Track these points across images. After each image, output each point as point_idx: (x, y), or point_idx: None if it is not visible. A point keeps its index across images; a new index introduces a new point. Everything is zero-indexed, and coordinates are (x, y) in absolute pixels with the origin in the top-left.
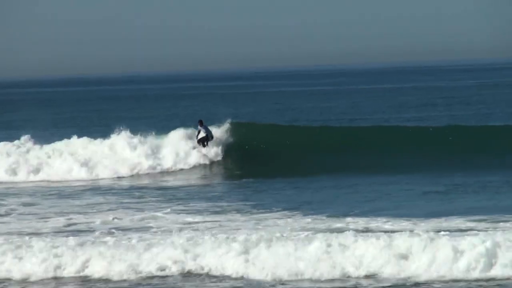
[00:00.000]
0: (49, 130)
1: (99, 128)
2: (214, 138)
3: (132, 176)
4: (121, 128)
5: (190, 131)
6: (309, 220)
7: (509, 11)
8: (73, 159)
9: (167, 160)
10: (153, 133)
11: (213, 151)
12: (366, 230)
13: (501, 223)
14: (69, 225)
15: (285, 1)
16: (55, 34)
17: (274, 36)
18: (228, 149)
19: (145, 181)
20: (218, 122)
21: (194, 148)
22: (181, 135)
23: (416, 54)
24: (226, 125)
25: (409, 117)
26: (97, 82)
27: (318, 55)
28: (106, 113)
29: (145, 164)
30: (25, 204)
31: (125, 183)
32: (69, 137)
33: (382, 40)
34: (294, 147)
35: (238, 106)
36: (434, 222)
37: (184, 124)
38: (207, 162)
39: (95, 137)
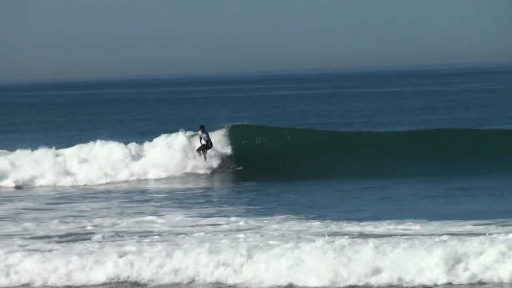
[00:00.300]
0: (48, 133)
1: (99, 131)
2: (214, 144)
3: (130, 181)
4: (105, 133)
5: (189, 135)
6: (311, 224)
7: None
8: (76, 164)
9: (165, 166)
10: (152, 137)
11: (213, 158)
12: (367, 235)
13: (499, 228)
14: (72, 228)
15: (285, 6)
16: (57, 37)
17: (274, 39)
18: (228, 153)
19: (145, 186)
20: (218, 125)
21: (194, 157)
22: (181, 140)
23: (416, 58)
24: (226, 128)
25: (408, 121)
26: (99, 86)
27: (318, 59)
28: (107, 116)
29: (146, 170)
30: (27, 209)
31: (124, 188)
32: (70, 141)
33: (382, 43)
34: (294, 150)
35: (238, 109)
36: (434, 226)
37: (183, 127)
38: (206, 171)
39: (94, 140)
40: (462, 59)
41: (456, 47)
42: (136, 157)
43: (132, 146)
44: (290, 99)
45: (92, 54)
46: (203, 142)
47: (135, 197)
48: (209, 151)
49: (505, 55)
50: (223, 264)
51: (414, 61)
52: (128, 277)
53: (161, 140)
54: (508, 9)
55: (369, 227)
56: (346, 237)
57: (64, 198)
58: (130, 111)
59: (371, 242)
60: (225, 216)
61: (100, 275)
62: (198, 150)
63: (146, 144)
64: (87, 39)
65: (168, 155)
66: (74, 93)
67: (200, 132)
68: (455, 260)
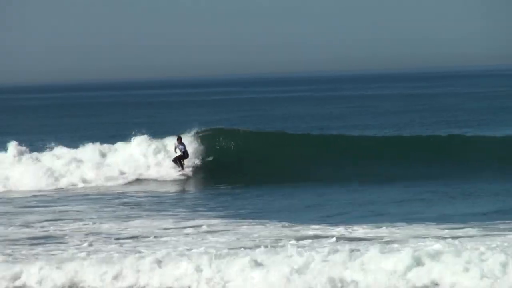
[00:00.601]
0: (25, 136)
1: (75, 134)
2: (189, 151)
3: (103, 186)
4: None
5: (148, 139)
6: (283, 229)
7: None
8: (49, 168)
9: (140, 171)
10: (129, 140)
11: (187, 165)
12: (339, 239)
13: (475, 231)
14: (46, 231)
15: (282, 13)
16: (56, 37)
17: (271, 43)
18: (201, 157)
19: (117, 190)
20: (191, 129)
21: (174, 166)
22: (141, 145)
23: (415, 59)
24: (199, 132)
25: (389, 124)
26: (98, 88)
27: (313, 62)
28: (91, 119)
29: (124, 173)
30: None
31: (97, 192)
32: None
33: (381, 45)
34: (269, 154)
35: (220, 112)
36: (410, 230)
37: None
38: (180, 178)
39: (68, 145)
40: (462, 61)
41: (456, 48)
42: (100, 161)
43: (93, 150)
44: (281, 102)
45: (92, 55)
46: (179, 152)
47: (111, 201)
48: (185, 160)
49: (506, 58)
50: (187, 271)
51: (413, 63)
52: (82, 282)
53: (122, 145)
54: (508, 7)
55: (343, 231)
56: (332, 239)
57: (42, 202)
58: (119, 113)
59: (335, 251)
60: (195, 220)
61: (57, 280)
62: (174, 160)
63: (109, 147)
64: (86, 40)
65: (127, 161)
66: (73, 94)
67: (176, 143)
68: (412, 266)
